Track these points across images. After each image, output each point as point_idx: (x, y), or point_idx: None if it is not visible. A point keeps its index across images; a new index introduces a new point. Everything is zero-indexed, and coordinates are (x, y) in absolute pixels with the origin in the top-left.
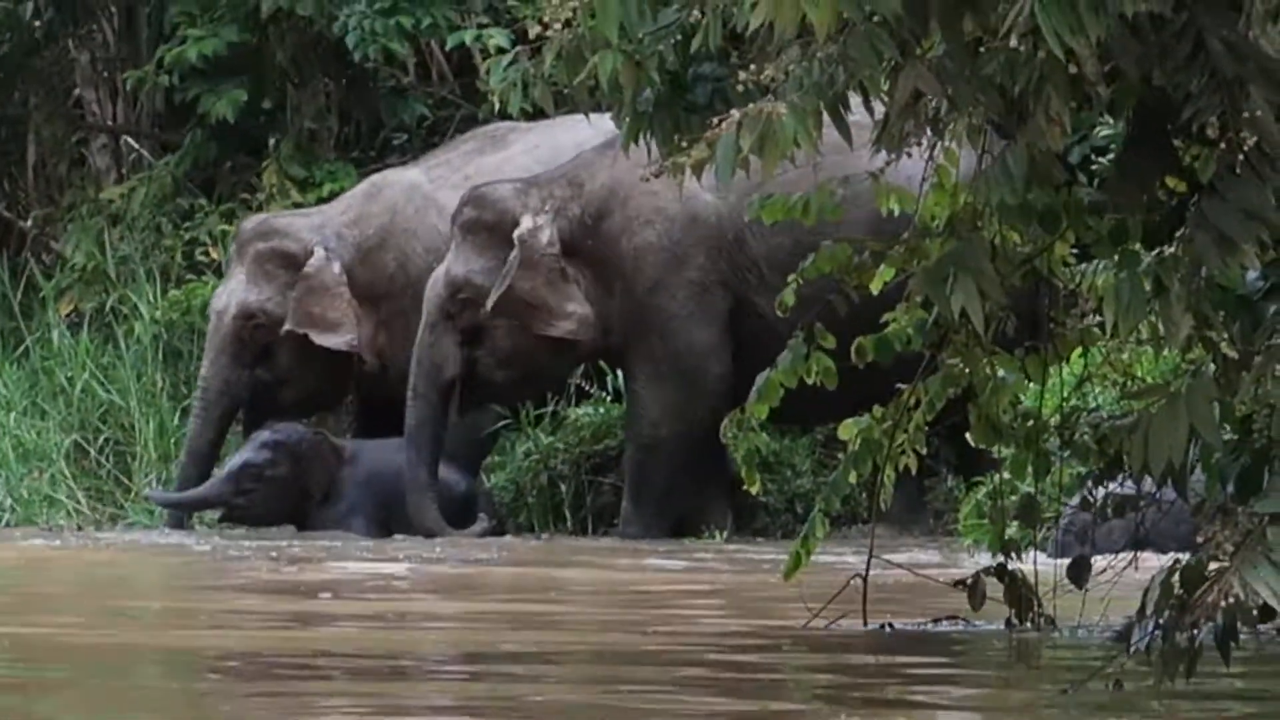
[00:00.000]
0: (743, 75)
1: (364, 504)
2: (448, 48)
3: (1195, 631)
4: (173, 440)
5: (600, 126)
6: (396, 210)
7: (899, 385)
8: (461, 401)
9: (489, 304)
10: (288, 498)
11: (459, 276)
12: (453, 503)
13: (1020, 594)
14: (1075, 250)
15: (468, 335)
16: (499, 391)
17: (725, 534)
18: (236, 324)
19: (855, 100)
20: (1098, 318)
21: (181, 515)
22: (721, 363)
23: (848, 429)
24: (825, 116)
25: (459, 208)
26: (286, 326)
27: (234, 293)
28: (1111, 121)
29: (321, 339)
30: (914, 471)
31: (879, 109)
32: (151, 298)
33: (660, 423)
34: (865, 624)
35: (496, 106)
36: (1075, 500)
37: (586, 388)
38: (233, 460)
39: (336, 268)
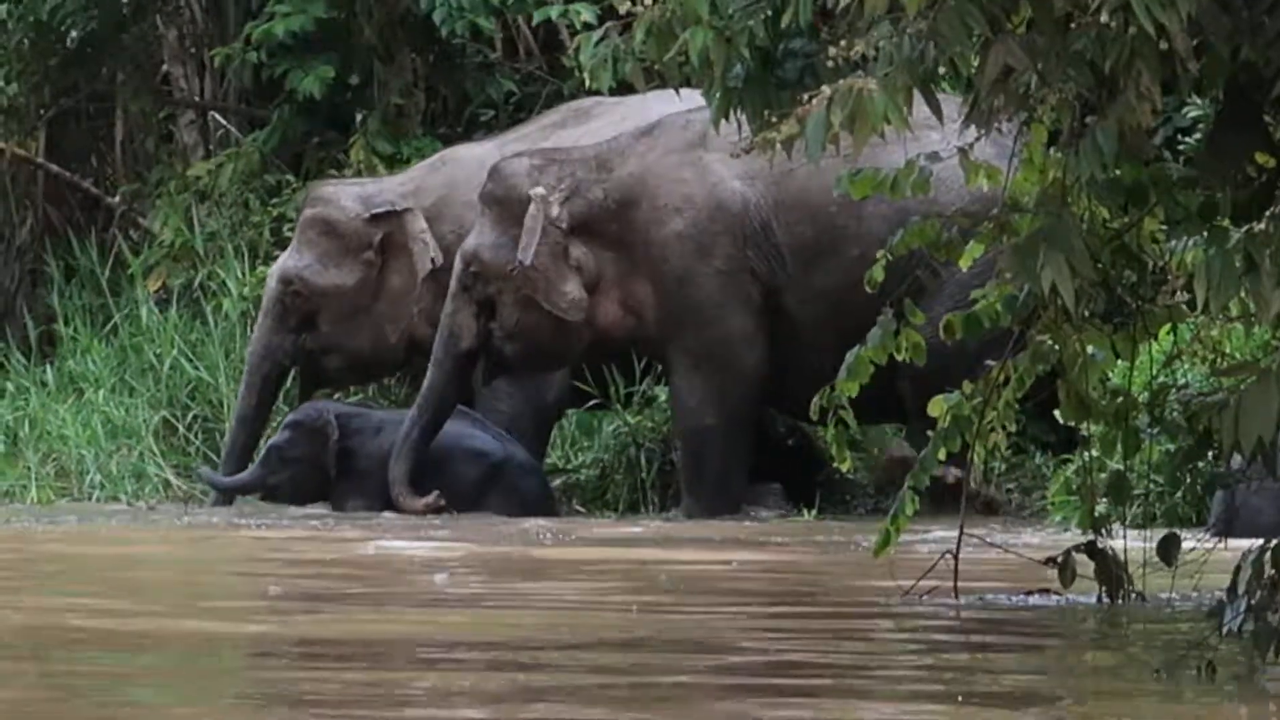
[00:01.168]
0: (832, 51)
1: (368, 478)
2: (534, 23)
3: None
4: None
5: (691, 101)
6: (457, 183)
7: (989, 362)
8: (484, 373)
9: (523, 259)
10: (312, 477)
11: (469, 249)
12: (478, 471)
13: (1111, 571)
14: (1164, 226)
15: (482, 307)
16: (511, 364)
17: (813, 512)
18: (277, 289)
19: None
20: (1186, 295)
21: (226, 496)
22: (756, 350)
23: (937, 405)
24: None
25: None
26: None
27: (280, 259)
28: (1198, 101)
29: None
30: (1003, 449)
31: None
32: (240, 274)
33: (703, 412)
34: (956, 598)
35: (583, 82)
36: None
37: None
38: (269, 442)
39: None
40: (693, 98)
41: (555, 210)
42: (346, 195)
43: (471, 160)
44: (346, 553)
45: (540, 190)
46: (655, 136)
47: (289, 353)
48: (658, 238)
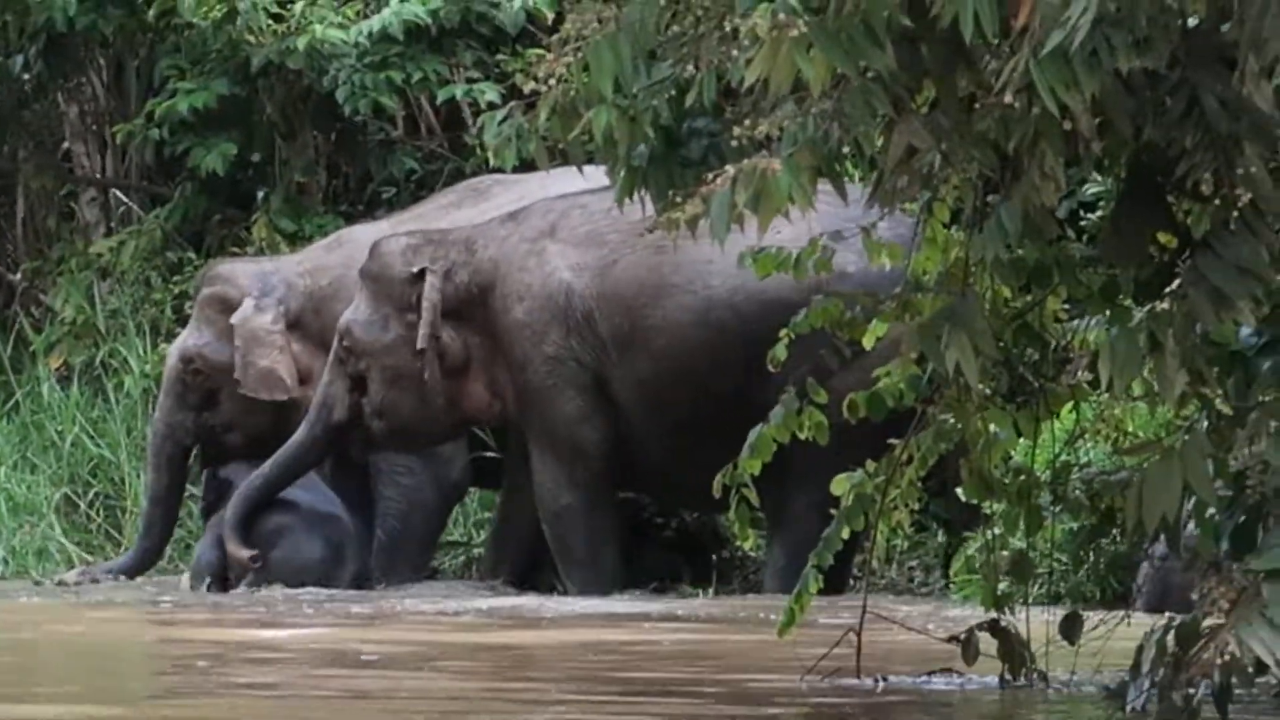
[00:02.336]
0: (737, 130)
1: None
2: (437, 102)
3: (1191, 690)
4: None
5: (594, 179)
6: (354, 262)
7: (890, 440)
8: (356, 449)
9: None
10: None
11: (344, 324)
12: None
13: (1014, 649)
14: (1066, 305)
15: (355, 382)
16: (379, 441)
17: (710, 591)
18: (177, 368)
19: None
20: (1089, 374)
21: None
22: (595, 429)
23: (840, 484)
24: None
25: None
26: (241, 390)
27: (180, 338)
28: (1100, 178)
29: (255, 393)
30: (906, 527)
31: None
32: (141, 352)
33: (558, 492)
34: (859, 678)
35: (485, 160)
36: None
37: None
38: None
39: (267, 317)
40: (597, 175)
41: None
42: (244, 273)
43: (367, 239)
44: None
45: (432, 270)
46: (518, 222)
47: (190, 430)
48: (504, 324)
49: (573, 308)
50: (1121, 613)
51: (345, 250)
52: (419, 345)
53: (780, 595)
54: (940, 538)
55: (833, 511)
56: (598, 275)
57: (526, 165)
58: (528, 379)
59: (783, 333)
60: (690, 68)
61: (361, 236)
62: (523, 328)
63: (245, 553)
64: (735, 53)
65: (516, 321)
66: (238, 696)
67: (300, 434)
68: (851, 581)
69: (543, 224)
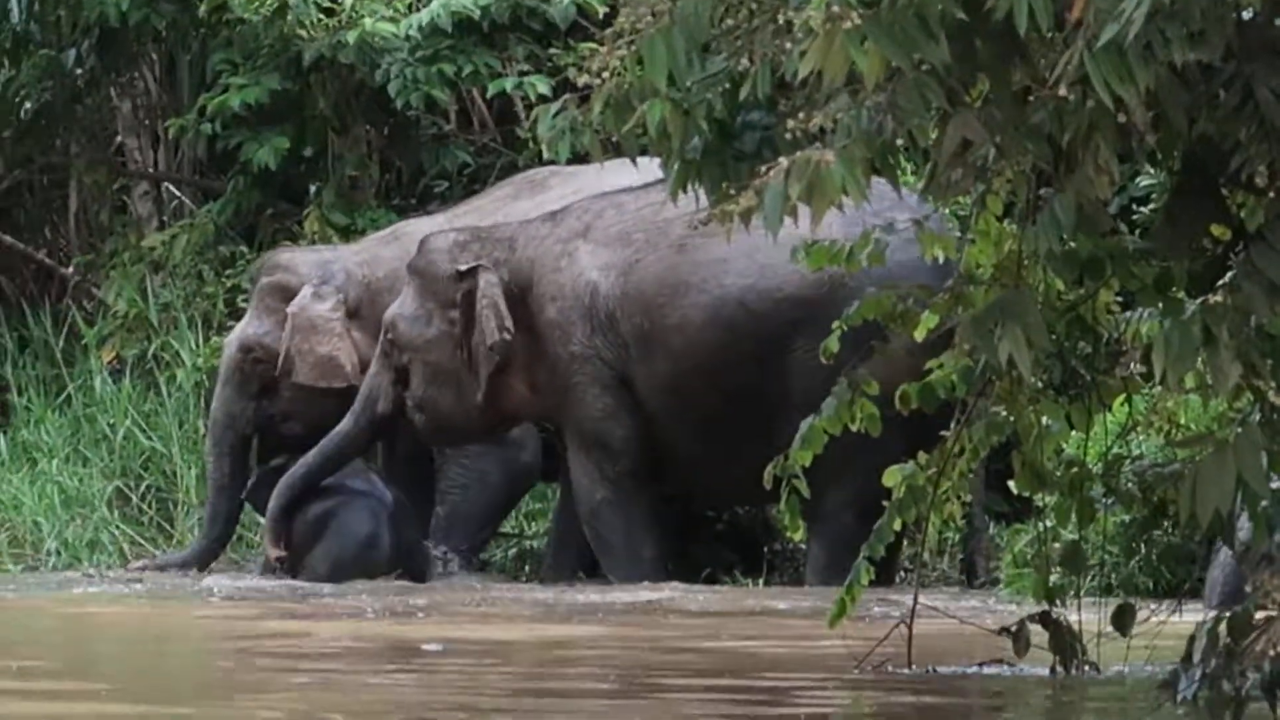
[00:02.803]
0: (791, 123)
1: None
2: (489, 95)
3: (1242, 680)
4: None
5: (649, 172)
6: (408, 255)
7: (941, 433)
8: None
9: (484, 339)
10: None
11: (389, 317)
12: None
13: (1064, 641)
14: (1119, 298)
15: (399, 374)
16: (420, 435)
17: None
18: (236, 357)
19: None
20: (1142, 366)
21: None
22: (621, 425)
23: (892, 475)
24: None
25: None
26: (294, 379)
27: (239, 327)
28: (1152, 171)
29: (312, 381)
30: (958, 519)
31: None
32: (193, 345)
33: (593, 489)
34: (910, 668)
35: (538, 154)
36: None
37: None
38: None
39: (326, 304)
40: (651, 168)
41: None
42: (303, 261)
43: (422, 233)
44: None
45: (485, 268)
46: (556, 223)
47: (250, 420)
48: (540, 324)
49: (597, 307)
50: (1173, 604)
51: (401, 244)
52: (489, 341)
53: (822, 589)
54: (992, 530)
55: (884, 503)
56: (621, 275)
57: (580, 158)
58: (558, 377)
59: (835, 325)
60: (744, 61)
61: (417, 230)
62: (554, 327)
63: (275, 552)
64: (789, 45)
65: (549, 321)
66: (296, 690)
67: (344, 425)
68: (902, 574)
69: (578, 224)
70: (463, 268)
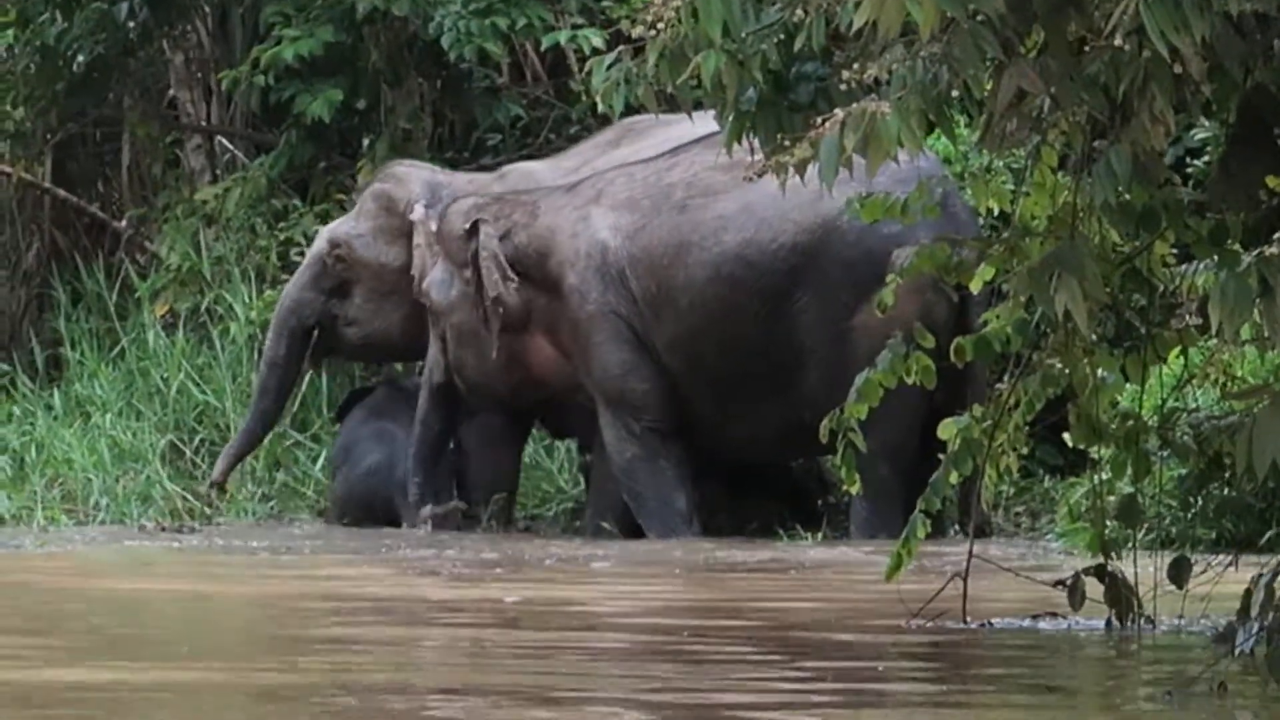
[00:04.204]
0: (846, 74)
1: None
2: (542, 48)
3: None
4: (267, 440)
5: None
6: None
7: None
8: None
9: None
10: None
11: (425, 285)
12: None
13: (1120, 594)
14: (1174, 250)
15: (443, 342)
16: (466, 399)
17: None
18: (322, 249)
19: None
20: (1197, 319)
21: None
22: (643, 379)
23: (947, 428)
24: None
25: None
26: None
27: (336, 222)
28: (1207, 123)
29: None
30: (1014, 471)
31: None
32: (247, 298)
33: (622, 447)
34: (965, 622)
35: (593, 106)
36: None
37: None
38: None
39: (433, 224)
40: (707, 120)
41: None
42: (416, 178)
43: (528, 174)
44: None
45: (484, 221)
46: (574, 193)
47: (316, 312)
48: (563, 290)
49: (608, 264)
50: (1230, 557)
51: (506, 182)
52: (491, 294)
53: (868, 542)
54: (1046, 483)
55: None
56: (629, 238)
57: (632, 110)
58: (580, 338)
59: (889, 277)
60: (799, 12)
61: (524, 171)
62: (573, 291)
63: (427, 512)
64: None
65: (570, 286)
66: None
67: (420, 401)
68: (955, 528)
69: (592, 192)
70: (468, 225)
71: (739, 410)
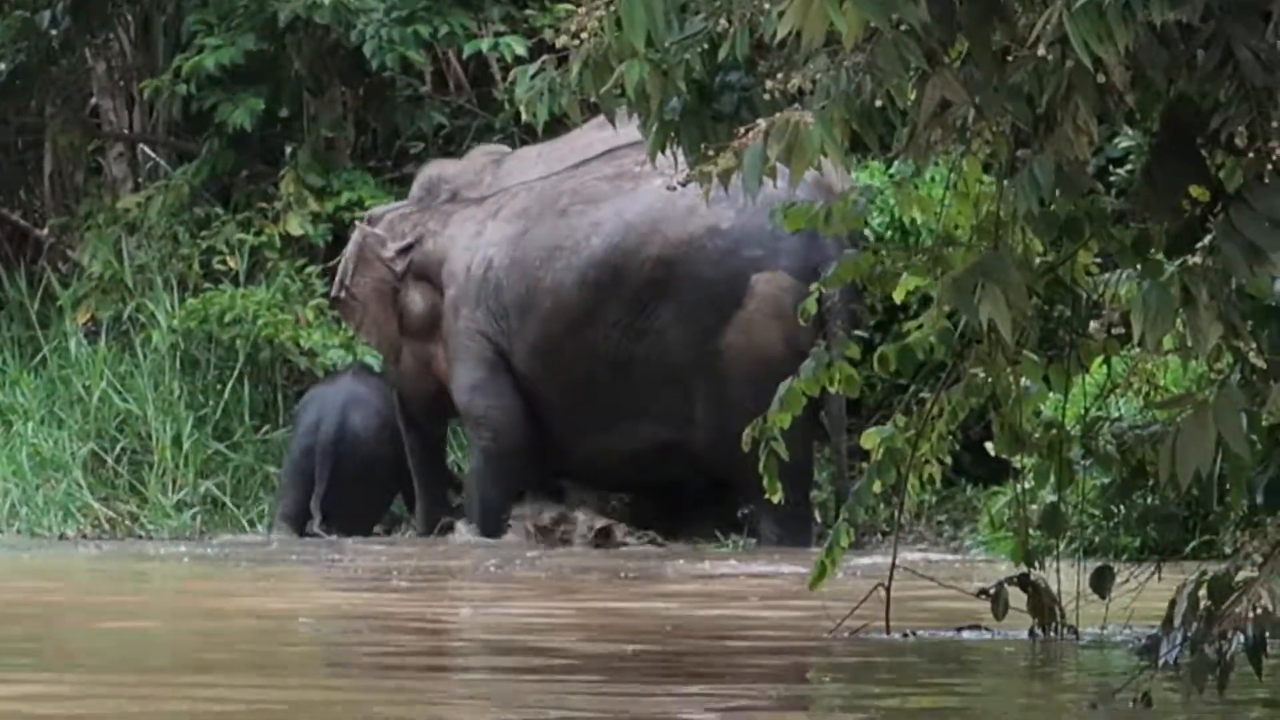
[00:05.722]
0: (769, 84)
1: None
2: (464, 56)
3: (1224, 643)
4: (189, 449)
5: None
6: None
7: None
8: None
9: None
10: None
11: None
12: None
13: (1043, 603)
14: (1098, 259)
15: None
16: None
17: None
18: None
19: None
20: (1120, 328)
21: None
22: (487, 396)
23: (870, 438)
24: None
25: None
26: None
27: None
28: (1130, 133)
29: None
30: (938, 481)
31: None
32: (169, 306)
33: (471, 455)
34: (888, 633)
35: (515, 115)
36: None
37: None
38: None
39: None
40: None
41: (389, 252)
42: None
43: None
44: None
45: (370, 228)
46: (484, 204)
47: None
48: (445, 300)
49: (488, 278)
50: (1153, 566)
51: (507, 165)
52: (333, 293)
53: (779, 549)
54: (969, 492)
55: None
56: (512, 245)
57: (558, 120)
58: (449, 351)
59: (813, 287)
60: (723, 21)
61: (519, 154)
62: (451, 304)
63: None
64: (767, 6)
65: (450, 298)
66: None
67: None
68: (879, 536)
69: (494, 206)
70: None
71: (602, 425)
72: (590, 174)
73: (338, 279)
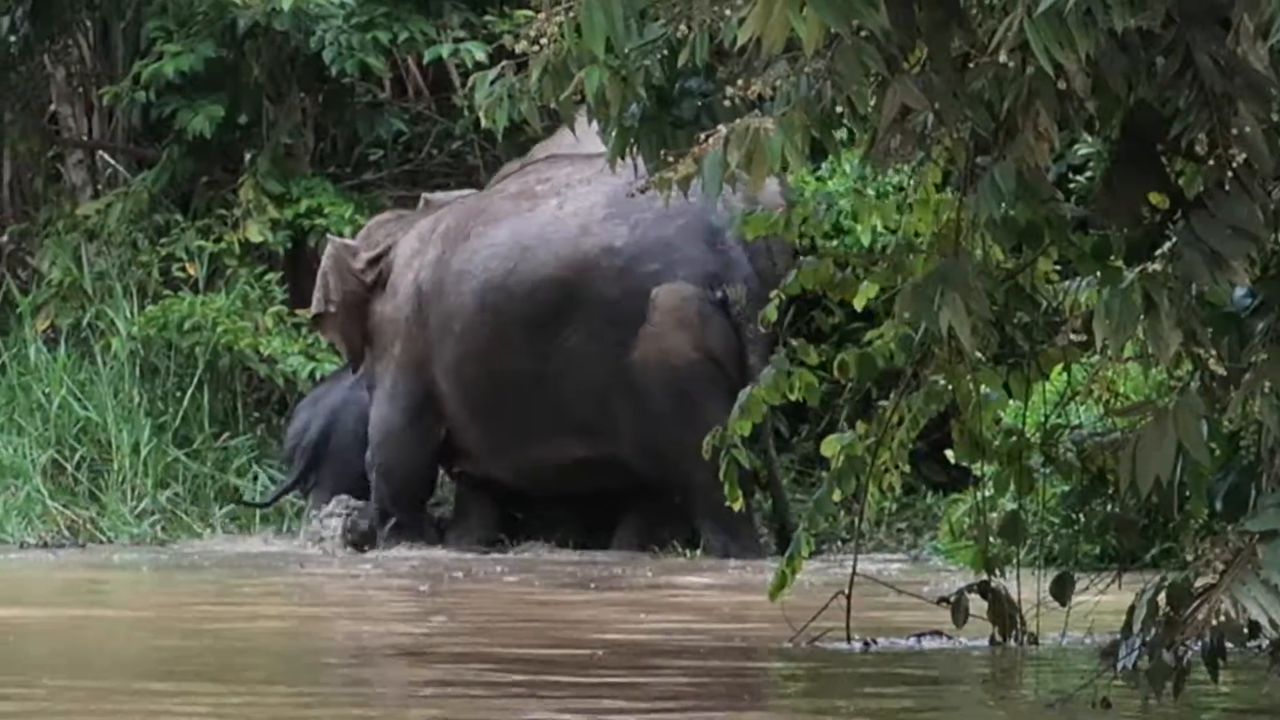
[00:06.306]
0: (729, 90)
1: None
2: (424, 63)
3: (1182, 649)
4: (148, 456)
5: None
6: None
7: (881, 403)
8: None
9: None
10: None
11: None
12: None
13: (1004, 611)
14: (1058, 266)
15: None
16: None
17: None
18: None
19: None
20: (1081, 335)
21: None
22: (399, 448)
23: (830, 445)
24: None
25: None
26: None
27: None
28: (1090, 139)
29: None
30: (897, 489)
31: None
32: (128, 314)
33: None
34: (849, 641)
35: (475, 121)
36: None
37: None
38: None
39: None
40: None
41: (359, 263)
42: None
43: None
44: None
45: (340, 241)
46: (436, 218)
47: None
48: (387, 314)
49: (418, 303)
50: (1113, 574)
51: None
52: (314, 310)
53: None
54: (929, 500)
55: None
56: (437, 266)
57: (518, 126)
58: (376, 369)
59: (773, 294)
60: (682, 27)
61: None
62: (385, 322)
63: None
64: (728, 12)
65: (385, 316)
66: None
67: None
68: (839, 544)
69: (438, 224)
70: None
71: (525, 443)
72: (498, 193)
73: (316, 295)
